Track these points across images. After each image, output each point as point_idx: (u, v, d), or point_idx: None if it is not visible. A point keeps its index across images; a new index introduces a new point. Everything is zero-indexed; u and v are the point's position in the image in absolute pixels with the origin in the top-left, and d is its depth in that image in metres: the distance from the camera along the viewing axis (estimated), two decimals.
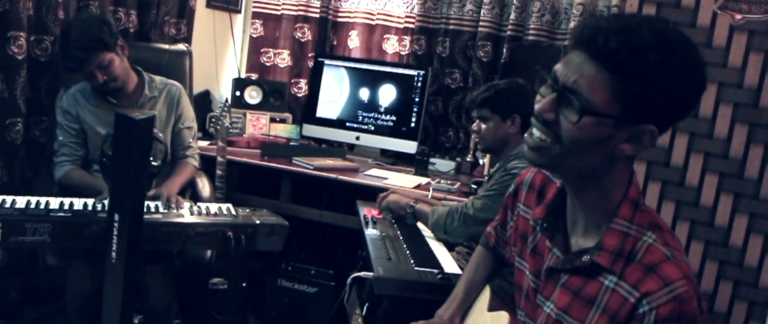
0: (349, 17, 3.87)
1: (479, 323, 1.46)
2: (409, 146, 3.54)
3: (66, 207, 2.13)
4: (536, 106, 1.14)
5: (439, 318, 1.53)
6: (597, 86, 1.05)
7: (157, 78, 2.64)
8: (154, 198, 2.30)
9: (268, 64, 4.01)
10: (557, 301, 1.20)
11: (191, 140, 2.69)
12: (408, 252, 2.12)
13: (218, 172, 2.97)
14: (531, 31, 3.40)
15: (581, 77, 1.06)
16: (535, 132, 1.15)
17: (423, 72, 3.54)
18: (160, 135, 2.42)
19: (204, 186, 2.79)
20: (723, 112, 1.98)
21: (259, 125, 3.68)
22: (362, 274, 2.00)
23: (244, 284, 3.08)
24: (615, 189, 1.15)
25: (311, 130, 3.74)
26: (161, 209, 2.23)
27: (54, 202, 2.16)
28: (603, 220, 1.16)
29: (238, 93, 3.68)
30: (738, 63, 1.95)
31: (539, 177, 1.38)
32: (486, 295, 1.54)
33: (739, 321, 2.04)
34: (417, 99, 3.54)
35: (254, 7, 3.99)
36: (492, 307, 1.47)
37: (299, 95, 3.98)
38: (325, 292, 3.10)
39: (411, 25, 3.75)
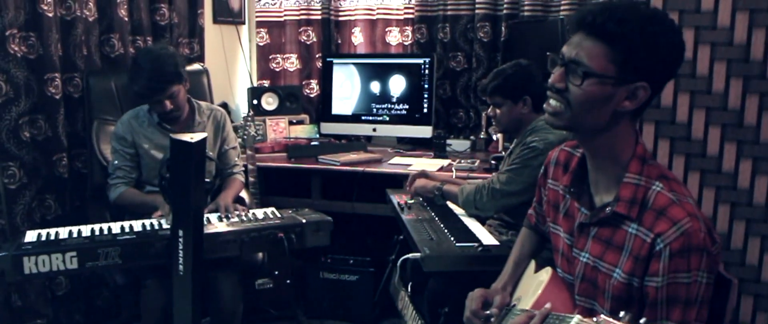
0: (350, 15, 4.03)
1: (529, 283, 1.65)
2: (425, 131, 3.71)
3: (127, 229, 2.31)
4: (549, 80, 1.38)
5: (494, 288, 1.72)
6: (594, 55, 1.29)
7: (203, 104, 2.84)
8: (214, 211, 2.50)
9: (277, 70, 4.18)
10: (591, 250, 1.41)
11: (236, 159, 2.90)
12: (446, 231, 2.30)
13: (250, 179, 3.14)
14: (526, 7, 3.56)
15: (581, 50, 1.31)
16: (551, 101, 1.38)
17: (428, 59, 3.70)
18: (211, 154, 2.60)
19: (245, 195, 2.99)
20: (718, 69, 2.16)
21: (279, 129, 3.85)
22: (411, 255, 2.17)
23: (288, 281, 3.26)
24: (625, 148, 1.37)
25: (329, 128, 3.91)
26: (212, 221, 2.41)
27: (115, 227, 2.33)
28: (618, 177, 1.37)
29: (254, 101, 3.85)
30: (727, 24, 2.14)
31: (563, 154, 1.59)
32: (532, 266, 1.73)
33: (754, 254, 2.23)
34: (426, 85, 3.71)
35: (257, 16, 4.14)
36: (537, 271, 1.66)
37: (312, 96, 4.15)
38: (366, 279, 3.28)
39: (411, 16, 3.91)
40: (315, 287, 3.35)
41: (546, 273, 1.56)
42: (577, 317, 1.08)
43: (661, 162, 2.29)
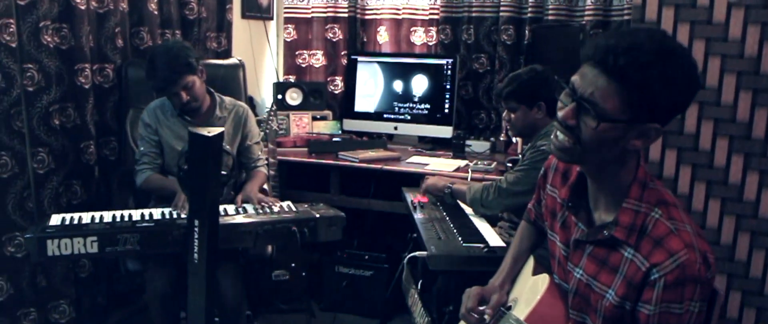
0: (376, 14, 4.09)
1: (526, 286, 1.68)
2: (445, 131, 3.76)
3: (147, 217, 2.40)
4: (559, 114, 1.35)
5: (491, 285, 1.76)
6: (609, 96, 1.26)
7: (227, 99, 2.90)
8: (244, 202, 2.61)
9: (304, 66, 4.24)
10: (586, 268, 1.43)
11: (260, 153, 2.98)
12: (455, 231, 2.35)
13: (271, 172, 3.22)
14: (550, 12, 3.58)
15: (596, 90, 1.27)
16: (560, 135, 1.36)
17: (451, 60, 3.74)
18: (228, 147, 2.68)
19: (266, 188, 3.06)
20: (727, 80, 2.17)
21: (302, 124, 3.92)
22: (417, 253, 2.22)
23: (304, 274, 3.33)
24: (627, 173, 1.37)
25: (351, 124, 3.98)
26: (229, 211, 2.49)
27: (136, 214, 2.43)
28: (619, 199, 1.37)
29: (279, 96, 3.92)
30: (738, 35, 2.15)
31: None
32: (531, 263, 1.76)
33: (758, 267, 2.24)
34: (448, 86, 3.75)
35: (285, 12, 4.22)
36: (536, 272, 1.69)
37: (336, 92, 4.22)
38: (380, 275, 3.34)
39: (436, 16, 3.95)
40: (330, 281, 3.42)
41: (543, 281, 1.59)
42: None
43: (668, 173, 2.31)
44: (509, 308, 1.66)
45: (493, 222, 2.58)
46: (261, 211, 2.53)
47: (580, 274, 1.44)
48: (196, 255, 2.22)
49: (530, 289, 1.63)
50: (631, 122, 1.27)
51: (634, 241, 1.32)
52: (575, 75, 1.32)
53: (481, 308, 1.67)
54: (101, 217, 2.37)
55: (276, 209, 2.55)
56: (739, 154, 2.20)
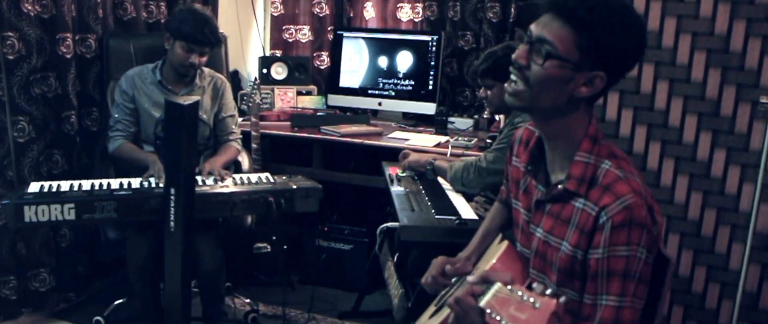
0: None
1: (488, 258, 1.72)
2: (429, 108, 3.77)
3: (125, 186, 2.42)
4: (513, 55, 1.41)
5: (458, 258, 1.80)
6: (561, 37, 1.32)
7: (207, 70, 2.92)
8: (199, 172, 2.58)
9: (290, 40, 4.25)
10: (544, 225, 1.48)
11: (234, 127, 2.99)
12: (429, 203, 2.38)
13: (253, 145, 3.24)
14: None
15: (549, 31, 1.33)
16: (512, 77, 1.42)
17: (437, 37, 3.75)
18: (204, 116, 2.69)
19: (244, 160, 3.09)
20: (697, 58, 2.20)
21: (287, 99, 3.93)
22: (390, 224, 2.25)
23: (284, 247, 3.37)
24: (578, 129, 1.42)
25: (336, 100, 3.99)
26: (207, 181, 2.51)
27: (114, 183, 2.45)
28: (571, 155, 1.42)
29: (264, 70, 3.93)
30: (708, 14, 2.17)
31: (526, 132, 1.65)
32: (498, 240, 1.80)
33: (723, 243, 2.28)
34: (433, 63, 3.76)
35: None
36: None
37: (322, 67, 4.22)
38: (360, 248, 3.37)
39: None
40: (310, 254, 3.45)
41: (502, 244, 1.63)
42: (498, 285, 1.14)
43: (638, 147, 2.34)
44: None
45: (469, 197, 2.61)
46: (228, 182, 2.54)
47: (540, 233, 1.49)
48: (172, 223, 2.26)
49: (490, 253, 1.66)
50: (578, 66, 1.33)
51: (585, 191, 1.38)
52: (533, 23, 1.39)
53: (443, 277, 1.71)
54: (80, 186, 2.39)
55: (238, 182, 2.54)
56: (707, 131, 2.23)
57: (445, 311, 1.59)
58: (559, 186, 1.43)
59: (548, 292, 1.07)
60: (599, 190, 1.35)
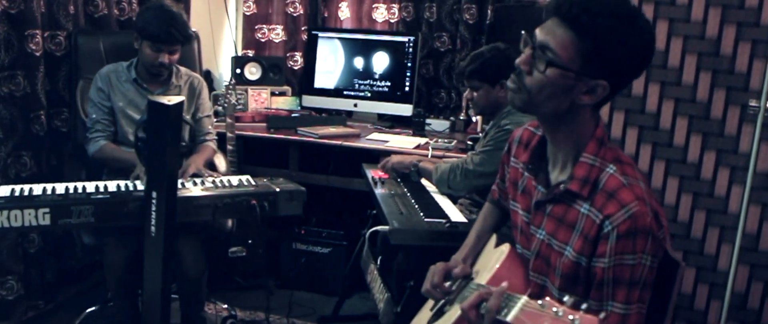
0: None
1: (487, 258, 1.69)
2: (405, 109, 3.74)
3: (102, 189, 2.33)
4: (517, 60, 1.39)
5: (454, 261, 1.76)
6: (563, 44, 1.30)
7: (183, 69, 2.85)
8: (183, 172, 2.51)
9: (263, 40, 4.17)
10: (546, 227, 1.46)
11: (210, 127, 2.92)
12: (417, 206, 2.34)
13: (229, 147, 3.16)
14: None
15: (553, 38, 1.32)
16: (509, 83, 1.41)
17: (413, 38, 3.72)
18: (187, 118, 2.62)
19: (220, 162, 3.01)
20: (688, 61, 2.21)
21: (260, 100, 3.86)
22: (379, 228, 2.21)
23: (261, 251, 3.30)
24: (584, 131, 1.40)
25: (310, 101, 3.93)
26: (186, 184, 2.43)
27: (90, 186, 2.35)
28: (575, 157, 1.41)
29: (238, 70, 3.85)
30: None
31: (526, 133, 1.62)
32: (493, 240, 1.78)
33: (712, 244, 2.30)
34: (409, 64, 3.73)
35: None
36: (498, 246, 1.70)
37: (296, 68, 4.16)
38: (338, 252, 3.33)
39: None
40: (287, 258, 3.39)
41: (504, 249, 1.60)
42: (525, 299, 1.11)
43: (629, 149, 2.35)
44: (471, 280, 1.66)
45: (454, 199, 2.58)
46: (209, 185, 2.46)
47: (542, 235, 1.46)
48: (153, 228, 2.18)
49: (491, 258, 1.64)
50: (580, 74, 1.31)
51: (588, 194, 1.36)
52: (537, 28, 1.37)
53: (446, 284, 1.67)
54: (53, 189, 2.29)
55: (219, 185, 2.47)
56: (697, 134, 2.25)
57: (451, 315, 1.56)
58: (561, 186, 1.41)
59: (584, 306, 1.04)
60: (603, 196, 1.33)
